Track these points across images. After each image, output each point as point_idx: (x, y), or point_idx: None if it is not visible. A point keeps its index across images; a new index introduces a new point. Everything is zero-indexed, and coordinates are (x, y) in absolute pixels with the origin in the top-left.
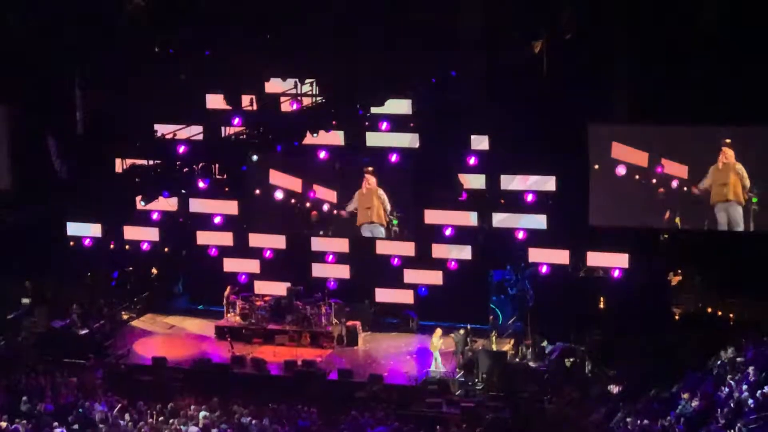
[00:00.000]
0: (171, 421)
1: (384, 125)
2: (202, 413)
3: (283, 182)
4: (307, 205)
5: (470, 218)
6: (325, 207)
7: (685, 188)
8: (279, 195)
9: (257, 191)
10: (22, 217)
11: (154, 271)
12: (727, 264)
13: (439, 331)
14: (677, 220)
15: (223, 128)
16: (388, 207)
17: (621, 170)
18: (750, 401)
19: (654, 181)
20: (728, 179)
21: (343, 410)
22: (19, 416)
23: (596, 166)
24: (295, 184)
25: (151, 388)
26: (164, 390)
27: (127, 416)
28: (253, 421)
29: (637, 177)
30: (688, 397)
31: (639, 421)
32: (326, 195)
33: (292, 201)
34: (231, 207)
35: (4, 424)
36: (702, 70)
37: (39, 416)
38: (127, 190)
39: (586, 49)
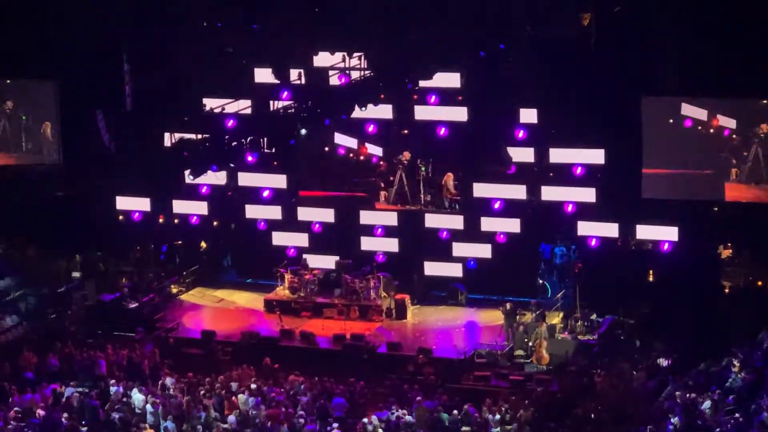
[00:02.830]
0: (222, 392)
1: (433, 99)
2: (253, 385)
3: (343, 141)
4: (362, 158)
5: (519, 191)
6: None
7: (734, 136)
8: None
9: (326, 148)
10: (71, 191)
11: (203, 244)
12: None
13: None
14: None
15: (271, 102)
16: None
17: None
18: None
19: (711, 131)
20: None
21: (392, 383)
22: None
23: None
24: (352, 142)
25: (200, 361)
26: (213, 363)
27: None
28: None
29: (699, 128)
30: (737, 371)
31: (688, 394)
32: (375, 150)
33: (351, 155)
34: (280, 180)
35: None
36: (752, 43)
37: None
38: (176, 164)
39: (634, 21)
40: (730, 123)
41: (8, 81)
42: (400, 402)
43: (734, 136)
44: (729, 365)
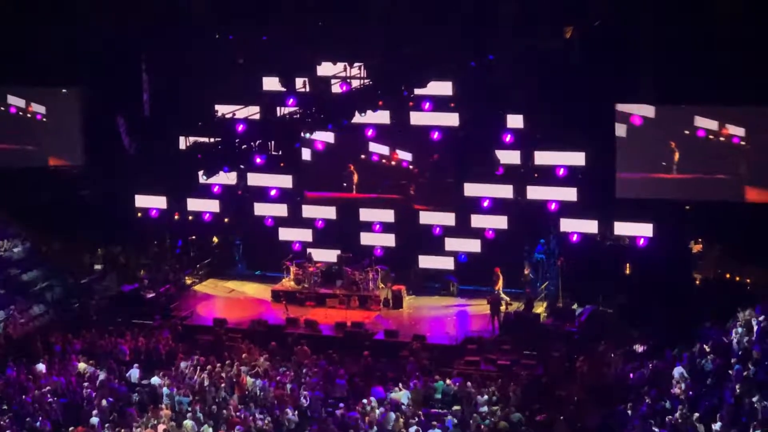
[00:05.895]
0: (232, 369)
1: (427, 105)
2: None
3: (377, 149)
4: (393, 163)
5: (506, 191)
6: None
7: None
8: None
9: (362, 156)
10: (95, 190)
11: (215, 239)
12: (745, 234)
13: None
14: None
15: (278, 108)
16: None
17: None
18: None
19: (723, 139)
20: None
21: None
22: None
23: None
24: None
25: (212, 346)
26: (224, 347)
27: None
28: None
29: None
30: (707, 355)
31: (662, 377)
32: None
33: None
34: (286, 181)
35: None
36: (722, 55)
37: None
38: (190, 165)
39: (613, 34)
40: (712, 125)
41: (36, 87)
42: (397, 384)
43: (721, 139)
44: (699, 350)
